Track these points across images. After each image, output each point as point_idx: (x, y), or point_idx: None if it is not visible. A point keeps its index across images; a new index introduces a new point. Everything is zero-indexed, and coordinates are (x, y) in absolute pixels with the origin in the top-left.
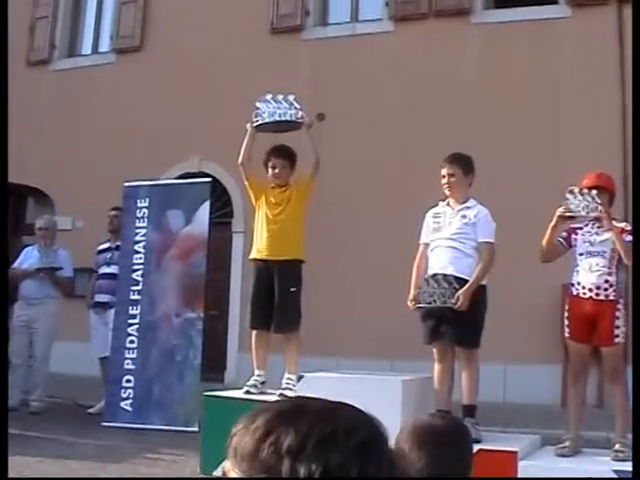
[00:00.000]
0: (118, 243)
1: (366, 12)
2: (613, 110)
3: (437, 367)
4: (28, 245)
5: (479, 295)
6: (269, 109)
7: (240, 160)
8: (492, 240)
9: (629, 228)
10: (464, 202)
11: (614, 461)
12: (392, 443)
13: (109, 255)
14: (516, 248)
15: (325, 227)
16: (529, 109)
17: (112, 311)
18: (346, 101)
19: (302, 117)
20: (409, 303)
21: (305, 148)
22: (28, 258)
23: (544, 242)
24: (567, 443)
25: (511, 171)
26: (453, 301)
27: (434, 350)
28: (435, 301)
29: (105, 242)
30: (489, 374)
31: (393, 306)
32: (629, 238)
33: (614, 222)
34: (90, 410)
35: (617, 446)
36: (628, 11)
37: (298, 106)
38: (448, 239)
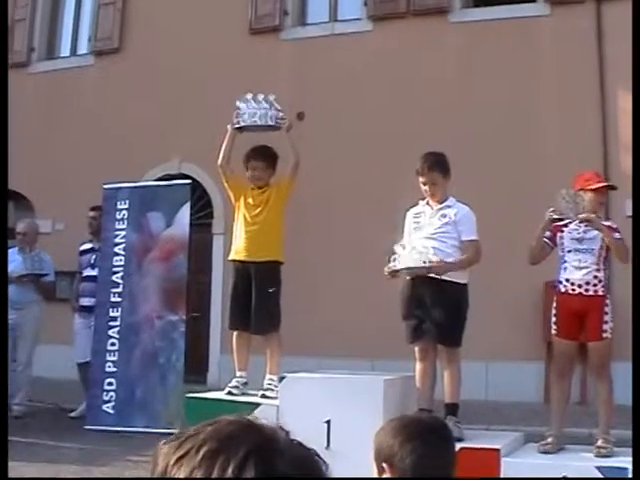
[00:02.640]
0: (101, 245)
1: (345, 12)
2: (592, 107)
3: (419, 366)
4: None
5: (461, 294)
6: (249, 109)
7: (219, 162)
8: (476, 237)
9: (615, 226)
10: (444, 201)
11: (596, 457)
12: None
13: (93, 257)
14: (497, 247)
15: (305, 227)
16: (508, 107)
17: None
18: (326, 100)
19: (282, 118)
20: (385, 270)
21: (285, 149)
22: (10, 262)
23: (534, 244)
24: (550, 440)
25: (491, 169)
26: (432, 259)
27: (416, 349)
28: (412, 268)
29: (87, 242)
30: (471, 372)
31: (374, 306)
32: (617, 235)
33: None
34: (71, 414)
35: (600, 442)
36: (606, 9)
37: (279, 107)
38: (428, 238)
